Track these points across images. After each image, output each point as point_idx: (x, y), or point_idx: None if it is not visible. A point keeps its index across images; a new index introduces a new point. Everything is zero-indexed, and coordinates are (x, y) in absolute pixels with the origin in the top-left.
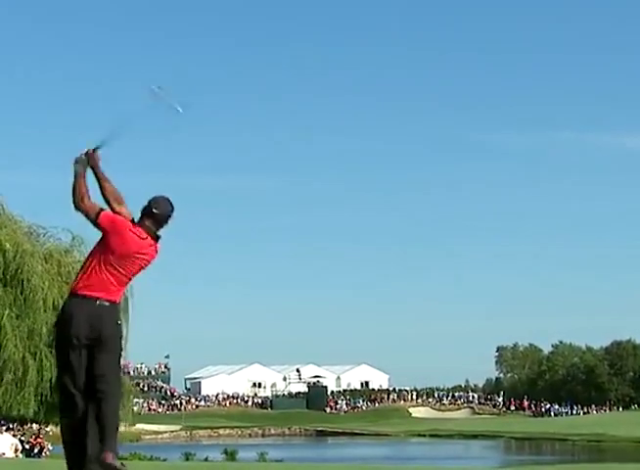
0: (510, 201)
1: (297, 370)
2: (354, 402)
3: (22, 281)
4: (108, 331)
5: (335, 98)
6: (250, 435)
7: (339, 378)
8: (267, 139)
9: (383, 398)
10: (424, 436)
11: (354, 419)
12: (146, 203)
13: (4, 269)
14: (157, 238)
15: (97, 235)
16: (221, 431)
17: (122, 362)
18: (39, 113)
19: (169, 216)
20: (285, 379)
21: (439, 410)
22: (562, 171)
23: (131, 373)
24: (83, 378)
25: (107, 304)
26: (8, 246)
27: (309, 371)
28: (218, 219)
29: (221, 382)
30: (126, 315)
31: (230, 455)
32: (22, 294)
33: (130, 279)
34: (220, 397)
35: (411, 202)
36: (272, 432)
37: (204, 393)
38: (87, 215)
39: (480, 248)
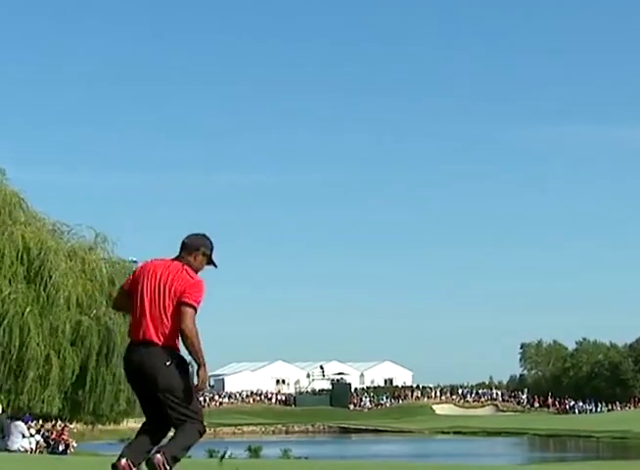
0: (531, 197)
1: (321, 367)
2: (378, 399)
3: (46, 278)
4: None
5: (341, 95)
6: (273, 432)
7: (362, 375)
8: (289, 135)
9: (406, 394)
10: (447, 433)
11: (378, 416)
12: None
13: (28, 266)
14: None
15: (119, 233)
16: (245, 428)
17: None
18: (62, 109)
19: (200, 246)
20: (308, 376)
21: (463, 407)
22: (580, 166)
23: None
24: None
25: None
26: (32, 243)
27: (333, 368)
28: (244, 216)
29: (245, 379)
30: None
31: (254, 452)
32: (45, 291)
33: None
34: (244, 394)
35: (430, 198)
36: (296, 429)
37: (227, 390)
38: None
39: (504, 244)
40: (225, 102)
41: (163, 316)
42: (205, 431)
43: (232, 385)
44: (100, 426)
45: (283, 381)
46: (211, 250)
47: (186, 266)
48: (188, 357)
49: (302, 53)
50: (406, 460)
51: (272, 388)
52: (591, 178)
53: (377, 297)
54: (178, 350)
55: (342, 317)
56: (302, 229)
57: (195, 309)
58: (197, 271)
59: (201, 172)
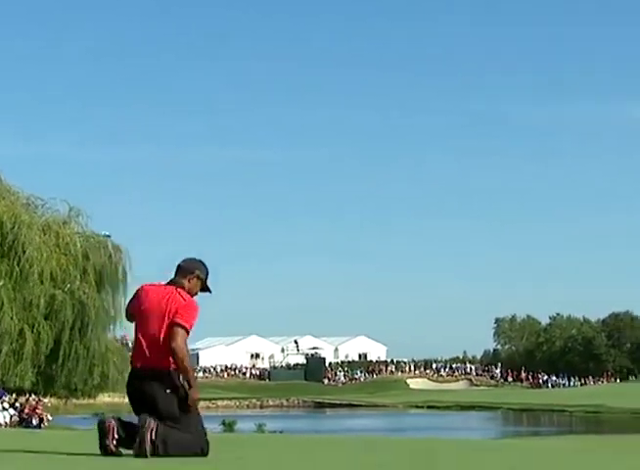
0: (512, 174)
1: (295, 342)
2: (352, 374)
3: (19, 253)
4: None
5: (348, 70)
6: (248, 406)
7: (337, 349)
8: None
9: (381, 369)
10: (421, 407)
11: (352, 390)
12: None
13: (1, 241)
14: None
15: (93, 208)
16: (219, 402)
17: (121, 334)
18: (32, 79)
19: (194, 270)
20: (283, 350)
21: (437, 382)
22: (559, 145)
23: (129, 345)
24: None
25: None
26: (5, 217)
27: (307, 342)
28: (221, 190)
29: (219, 353)
30: (124, 286)
31: (228, 427)
32: (18, 265)
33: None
34: (218, 368)
35: (412, 172)
36: (270, 403)
37: (202, 364)
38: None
39: (480, 220)
40: (233, 77)
41: (160, 340)
42: (207, 450)
43: (206, 359)
44: (74, 400)
45: (257, 355)
46: (207, 275)
47: (179, 289)
48: None
49: (311, 28)
50: (380, 434)
51: (246, 362)
52: (568, 156)
53: (351, 272)
54: (176, 371)
55: (317, 292)
56: (274, 204)
57: (187, 331)
58: (191, 295)
59: (205, 147)
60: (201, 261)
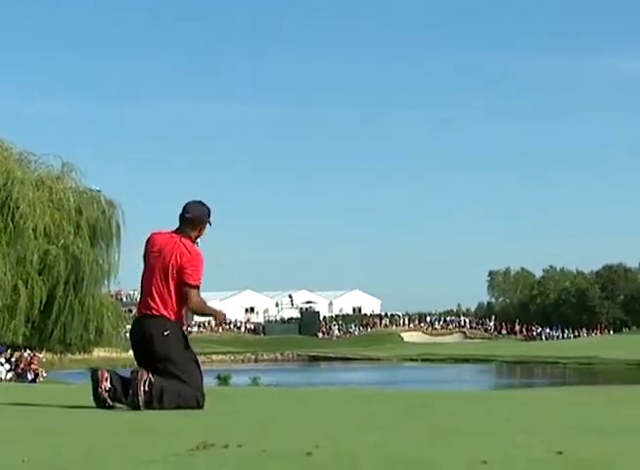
0: (503, 127)
1: (290, 296)
2: (347, 328)
3: (13, 208)
4: None
5: (350, 23)
6: (242, 360)
7: (331, 303)
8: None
9: (375, 323)
10: (416, 360)
11: (347, 344)
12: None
13: None
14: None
15: (86, 162)
16: (214, 357)
17: (115, 289)
18: (28, 32)
19: (204, 219)
20: (277, 305)
21: (431, 335)
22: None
23: (124, 299)
24: None
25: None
26: None
27: (302, 297)
28: (215, 145)
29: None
30: (118, 241)
31: (223, 381)
32: (12, 221)
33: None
34: (213, 323)
35: (410, 127)
36: (265, 357)
37: (196, 319)
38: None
39: (473, 173)
40: (236, 32)
41: (164, 290)
42: (202, 403)
43: None
44: (69, 355)
45: (252, 310)
46: (210, 214)
47: (183, 239)
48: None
49: None
50: (375, 387)
51: (241, 317)
52: (561, 108)
53: (346, 226)
54: (178, 321)
55: (311, 246)
56: (272, 159)
57: (198, 287)
58: (196, 240)
59: (198, 102)
60: (204, 205)
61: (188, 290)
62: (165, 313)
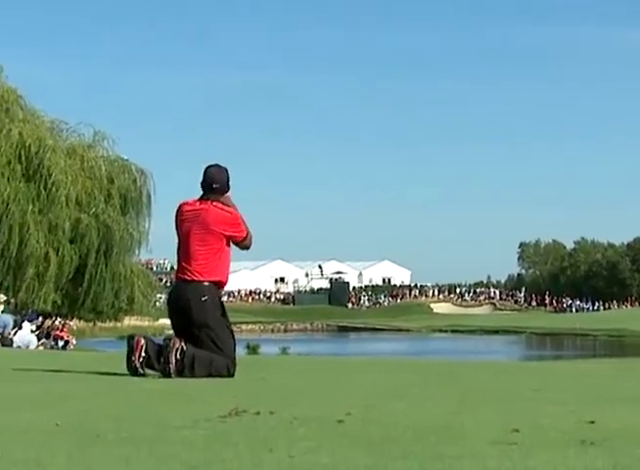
0: (531, 96)
1: (320, 266)
2: (376, 298)
3: (45, 176)
4: None
5: None
6: (272, 330)
7: (360, 274)
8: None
9: (404, 294)
10: (445, 331)
11: (376, 315)
12: None
13: (27, 165)
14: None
15: (118, 130)
16: (244, 326)
17: (146, 258)
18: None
19: (212, 182)
20: (307, 275)
21: (461, 306)
22: (585, 66)
23: (154, 268)
24: None
25: None
26: (30, 141)
27: (331, 267)
28: (247, 114)
29: (244, 278)
30: (149, 210)
31: (252, 350)
32: (44, 189)
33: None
34: (243, 292)
35: (429, 96)
36: (294, 327)
37: (226, 288)
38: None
39: (504, 143)
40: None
41: (201, 255)
42: (234, 371)
43: (231, 283)
44: (100, 323)
45: (282, 280)
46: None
47: (214, 202)
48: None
49: None
50: (405, 357)
51: (271, 287)
52: (592, 78)
53: (376, 196)
54: (216, 287)
55: (342, 216)
56: (302, 127)
57: (247, 238)
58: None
59: (209, 71)
60: (224, 169)
61: (245, 242)
62: (203, 278)
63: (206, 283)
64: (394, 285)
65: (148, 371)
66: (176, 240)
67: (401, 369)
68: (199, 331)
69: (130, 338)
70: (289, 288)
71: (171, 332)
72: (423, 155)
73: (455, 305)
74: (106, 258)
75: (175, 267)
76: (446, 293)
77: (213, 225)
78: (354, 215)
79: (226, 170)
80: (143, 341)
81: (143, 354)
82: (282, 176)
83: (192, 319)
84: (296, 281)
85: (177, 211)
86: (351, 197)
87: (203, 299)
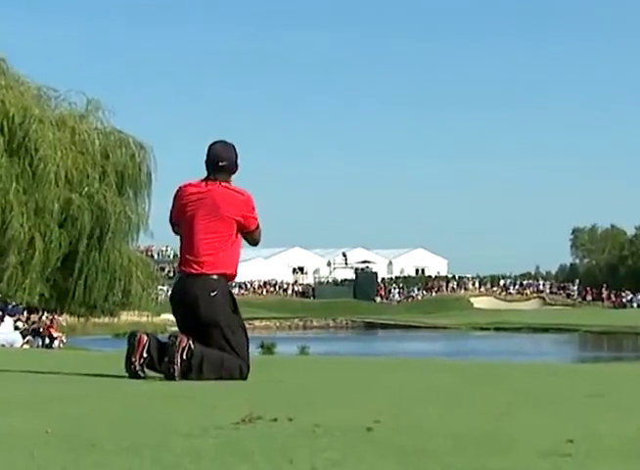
0: (581, 70)
1: (344, 254)
2: (408, 291)
3: (31, 151)
4: None
5: None
6: (289, 327)
7: (390, 263)
8: None
9: (441, 286)
10: (487, 329)
11: (408, 310)
12: None
13: (9, 138)
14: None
15: (114, 99)
16: (257, 323)
17: (145, 245)
18: None
19: (218, 159)
20: (329, 264)
21: (505, 301)
22: None
23: (155, 257)
24: None
25: None
26: (13, 110)
27: (357, 255)
28: (259, 86)
29: (257, 267)
30: (149, 189)
31: (267, 349)
32: (30, 166)
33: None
34: (256, 284)
35: (461, 66)
36: (315, 324)
37: (237, 279)
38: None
39: (557, 120)
40: None
41: (209, 244)
42: (247, 373)
43: (242, 274)
44: (93, 319)
45: (301, 270)
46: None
47: (224, 184)
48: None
49: None
50: (441, 358)
51: (288, 277)
52: None
53: (408, 176)
54: (226, 279)
55: (369, 198)
56: (323, 101)
57: (258, 228)
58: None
59: (212, 30)
60: (231, 145)
61: (256, 233)
62: (211, 271)
63: (215, 276)
64: (429, 276)
65: (149, 373)
66: (170, 227)
67: (435, 370)
68: (207, 329)
69: (131, 335)
70: (308, 279)
71: (175, 329)
72: (463, 131)
73: (498, 299)
74: (99, 245)
75: (178, 258)
76: (488, 285)
77: (224, 209)
78: (384, 197)
79: (233, 147)
80: (146, 339)
81: (145, 355)
82: (300, 152)
83: (200, 317)
84: (316, 271)
85: (177, 194)
86: (381, 176)
87: (212, 294)
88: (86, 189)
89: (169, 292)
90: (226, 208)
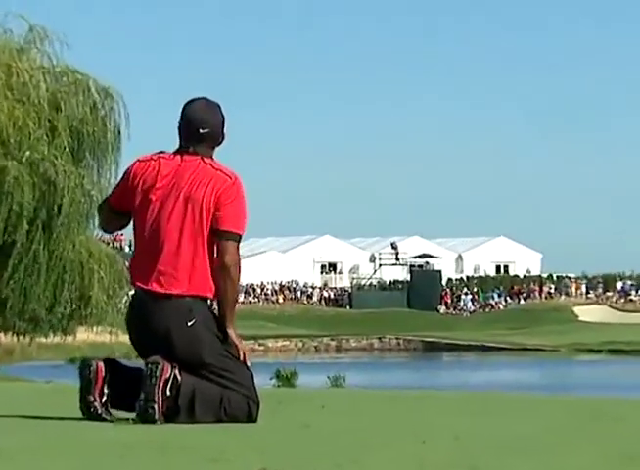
0: None
1: (393, 245)
2: (485, 298)
3: None
4: None
5: None
6: (316, 349)
7: (460, 258)
8: None
9: (532, 290)
10: (598, 352)
11: (486, 324)
12: None
13: None
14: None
15: (64, 29)
16: (271, 343)
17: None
18: None
19: (199, 124)
20: (373, 260)
21: (624, 311)
22: None
23: (127, 250)
24: None
25: None
26: None
27: (413, 246)
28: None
29: (272, 264)
30: (117, 154)
31: (285, 380)
32: None
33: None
34: (269, 288)
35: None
36: (353, 344)
37: (244, 281)
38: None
39: None
40: None
41: (185, 248)
42: (256, 414)
43: (252, 273)
44: (39, 338)
45: (332, 267)
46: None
47: (209, 161)
48: None
49: None
50: (534, 393)
51: (314, 278)
52: None
53: (482, 142)
54: (207, 298)
55: (429, 171)
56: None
57: (239, 239)
58: None
59: None
60: (218, 107)
61: (224, 243)
62: (185, 291)
63: (189, 297)
64: (515, 276)
65: (117, 413)
66: (106, 230)
67: (527, 409)
68: (189, 369)
69: (84, 366)
70: (343, 281)
71: None
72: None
73: (614, 308)
74: (45, 233)
75: (129, 267)
76: (599, 290)
77: (207, 199)
78: (447, 168)
79: (219, 108)
80: (103, 367)
81: (106, 390)
82: (333, 112)
83: (175, 355)
84: (354, 270)
85: (132, 171)
86: (446, 145)
87: (189, 323)
88: (27, 154)
89: (126, 318)
90: (208, 193)
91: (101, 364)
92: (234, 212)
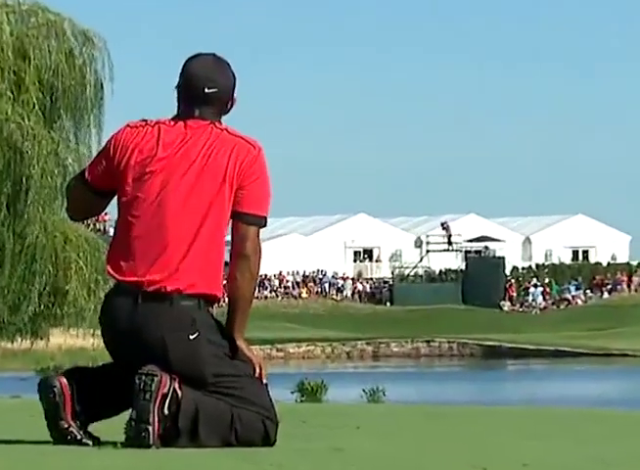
0: None
1: (444, 226)
2: (560, 291)
3: None
4: None
5: None
6: (348, 355)
7: (528, 241)
8: None
9: (619, 281)
10: None
11: (560, 324)
12: None
13: None
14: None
15: None
16: (292, 348)
17: None
18: None
19: (204, 83)
20: (419, 244)
21: None
22: None
23: (109, 231)
24: None
25: None
26: None
27: (468, 228)
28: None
29: (294, 250)
30: (99, 113)
31: (312, 393)
32: None
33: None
34: (290, 279)
35: None
36: (394, 349)
37: (262, 271)
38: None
39: None
40: None
41: (206, 235)
42: (275, 435)
43: (268, 262)
44: (3, 343)
45: (367, 254)
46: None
47: (224, 126)
48: None
49: None
50: (619, 409)
51: (347, 268)
52: None
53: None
54: (212, 300)
55: (487, 136)
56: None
57: (263, 224)
58: None
59: None
60: (227, 65)
61: (245, 227)
62: (194, 287)
63: (191, 301)
64: (597, 264)
65: (100, 433)
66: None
67: (610, 429)
68: (193, 387)
69: (45, 387)
70: (381, 270)
71: None
72: None
73: None
74: (10, 212)
75: (107, 255)
76: None
77: (234, 170)
78: (509, 139)
79: (229, 66)
80: (68, 385)
81: (78, 408)
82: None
83: (169, 370)
84: (396, 256)
85: (120, 141)
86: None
87: (191, 336)
88: None
89: (102, 323)
90: (233, 169)
91: (63, 380)
92: (259, 191)
